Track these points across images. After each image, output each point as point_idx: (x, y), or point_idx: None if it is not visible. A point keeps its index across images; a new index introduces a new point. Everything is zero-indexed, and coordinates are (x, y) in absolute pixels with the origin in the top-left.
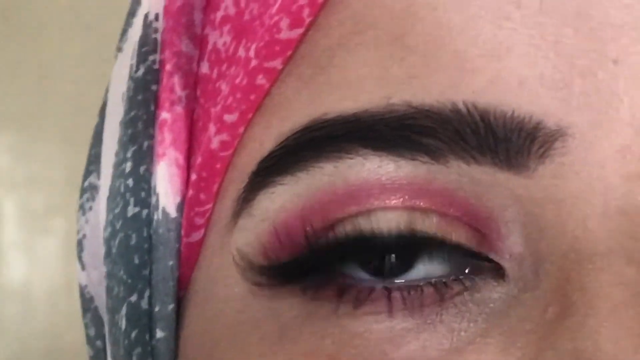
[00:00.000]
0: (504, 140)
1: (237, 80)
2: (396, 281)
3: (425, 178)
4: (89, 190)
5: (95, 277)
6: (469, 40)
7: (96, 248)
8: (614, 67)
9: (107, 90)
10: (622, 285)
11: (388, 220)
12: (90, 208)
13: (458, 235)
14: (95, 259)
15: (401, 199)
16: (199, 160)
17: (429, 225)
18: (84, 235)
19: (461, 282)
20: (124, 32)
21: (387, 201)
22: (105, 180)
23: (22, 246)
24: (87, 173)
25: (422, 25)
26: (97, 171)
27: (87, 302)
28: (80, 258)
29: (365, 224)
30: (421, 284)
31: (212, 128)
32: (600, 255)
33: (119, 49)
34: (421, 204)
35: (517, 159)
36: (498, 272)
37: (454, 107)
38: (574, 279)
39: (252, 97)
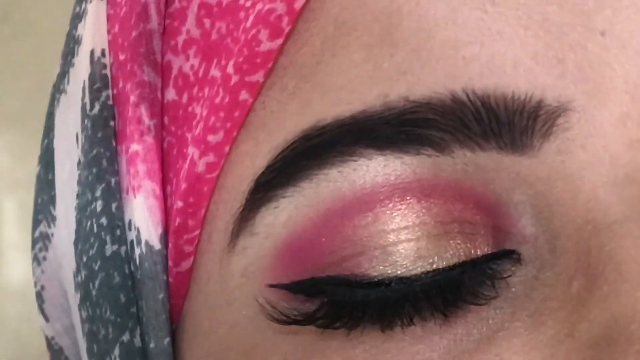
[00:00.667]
0: (507, 122)
1: (217, 100)
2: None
3: (433, 172)
4: (40, 240)
5: (60, 327)
6: (457, 28)
7: (57, 298)
8: (602, 38)
9: (46, 137)
10: None
11: (415, 257)
12: (45, 257)
13: (481, 247)
14: (57, 309)
15: (415, 200)
16: (183, 186)
17: (456, 250)
18: (42, 287)
19: (493, 286)
20: (64, 73)
21: (400, 203)
22: (64, 224)
23: (22, 246)
24: (37, 222)
25: (408, 19)
26: (47, 219)
27: (56, 354)
28: (42, 310)
29: (391, 268)
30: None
31: (194, 152)
32: (618, 223)
33: (62, 91)
34: (436, 207)
35: (521, 140)
36: (513, 256)
37: (454, 95)
38: (595, 249)
39: (237, 113)
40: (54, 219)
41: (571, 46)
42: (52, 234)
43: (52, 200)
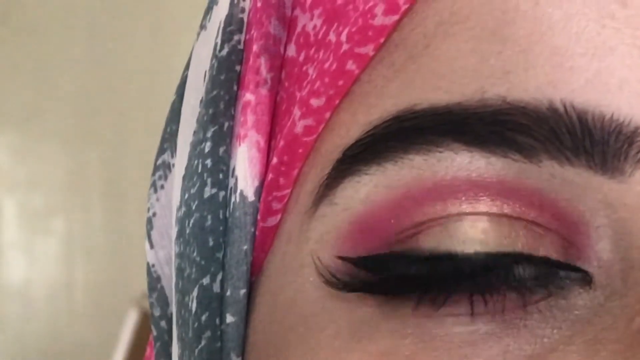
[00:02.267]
0: (600, 142)
1: (326, 65)
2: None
3: (516, 177)
4: (161, 168)
5: (163, 256)
6: (570, 37)
7: (166, 227)
8: None
9: (186, 68)
10: None
11: (472, 238)
12: (162, 186)
13: (545, 249)
14: (164, 238)
15: (489, 198)
16: (281, 143)
17: (515, 241)
18: (154, 214)
19: (546, 287)
20: (209, 9)
21: (474, 199)
22: (181, 158)
23: (22, 246)
24: (161, 151)
25: (523, 18)
26: (172, 149)
27: (153, 281)
28: (149, 236)
29: (449, 243)
30: (503, 287)
31: (296, 112)
32: None
33: (203, 27)
34: (509, 210)
35: (613, 163)
36: (585, 278)
37: (550, 105)
38: None
39: (341, 82)
40: (176, 150)
41: None
42: (174, 165)
43: (178, 132)
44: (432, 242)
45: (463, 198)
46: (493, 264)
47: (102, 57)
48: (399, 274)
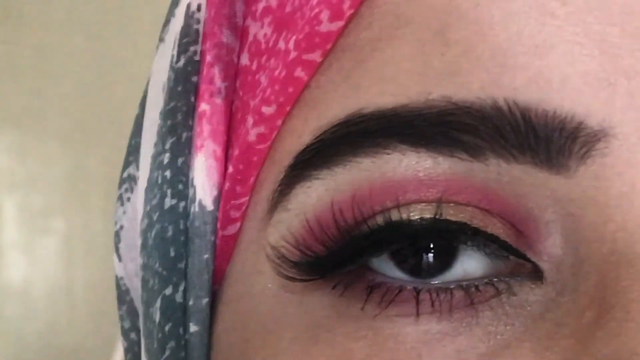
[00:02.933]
0: (544, 139)
1: (276, 73)
2: (432, 282)
3: (464, 175)
4: (127, 181)
5: (132, 269)
6: (511, 36)
7: (133, 240)
8: None
9: (148, 81)
10: None
11: (421, 209)
12: (129, 199)
13: (494, 227)
14: (132, 250)
15: (438, 194)
16: (236, 152)
17: (463, 215)
18: (122, 227)
19: (494, 285)
20: (167, 22)
21: (422, 195)
22: (144, 171)
23: (22, 246)
24: (127, 164)
25: (465, 20)
26: (136, 162)
27: (122, 294)
28: (117, 249)
29: (397, 214)
30: (452, 286)
31: (249, 120)
32: None
33: (161, 39)
34: (457, 199)
35: (557, 159)
36: (536, 274)
37: (494, 104)
38: (613, 282)
39: (291, 89)
40: (140, 163)
41: (625, 71)
42: (139, 177)
43: (141, 145)
44: (380, 218)
45: (413, 198)
46: (438, 230)
47: (102, 57)
48: (349, 261)
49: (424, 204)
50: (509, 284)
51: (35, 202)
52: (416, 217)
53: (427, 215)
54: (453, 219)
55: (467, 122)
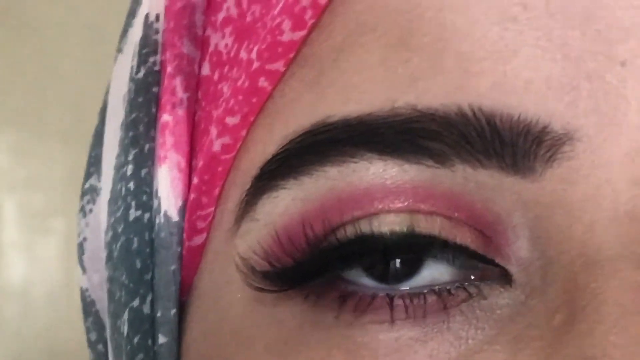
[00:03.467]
0: (510, 144)
1: (239, 83)
2: (401, 288)
3: (430, 182)
4: (89, 193)
5: (96, 280)
6: (474, 42)
7: (97, 251)
8: (622, 69)
9: (107, 92)
10: (631, 291)
11: (390, 222)
12: (91, 210)
13: (463, 237)
14: (96, 262)
15: (405, 203)
16: (200, 163)
17: (432, 226)
18: (85, 239)
19: (465, 289)
20: (124, 32)
21: (390, 205)
22: (106, 182)
23: (22, 246)
24: (88, 175)
25: (428, 26)
26: (98, 173)
27: (88, 306)
28: (81, 261)
29: (367, 226)
30: (424, 291)
31: (213, 131)
32: (609, 261)
33: (119, 50)
34: (425, 207)
35: (523, 163)
36: (505, 277)
37: (459, 110)
38: (582, 284)
39: (254, 99)
40: (101, 174)
41: (588, 74)
42: (101, 188)
43: (102, 156)
44: (350, 229)
45: (380, 207)
46: (408, 244)
47: (102, 57)
48: (320, 272)
49: (393, 214)
50: (479, 288)
51: (35, 202)
52: (386, 230)
53: (397, 229)
54: (423, 232)
55: (432, 128)
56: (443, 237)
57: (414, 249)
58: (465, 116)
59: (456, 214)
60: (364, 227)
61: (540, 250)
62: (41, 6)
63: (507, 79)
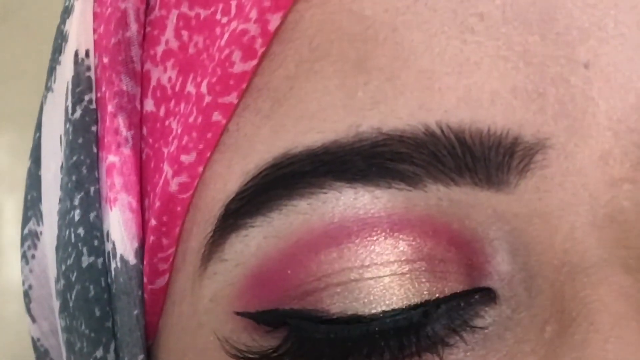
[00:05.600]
0: (482, 158)
1: (191, 119)
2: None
3: (404, 207)
4: (29, 238)
5: (46, 328)
6: (433, 58)
7: (45, 298)
8: (586, 71)
9: (37, 132)
10: (622, 297)
11: (377, 297)
12: (33, 256)
13: (451, 285)
14: (44, 309)
15: (383, 236)
16: (157, 204)
17: (421, 289)
18: (30, 286)
19: (456, 332)
20: (52, 70)
21: (367, 240)
22: (49, 226)
23: None
24: (26, 219)
25: (383, 46)
26: (37, 217)
27: (42, 356)
28: (29, 310)
29: (355, 306)
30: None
31: (168, 170)
32: (595, 267)
33: (49, 89)
34: (404, 243)
35: (497, 176)
36: (489, 295)
37: (427, 129)
38: (570, 293)
39: (209, 135)
40: (42, 216)
41: (553, 79)
42: (41, 232)
43: (41, 198)
44: (336, 303)
45: (356, 240)
46: (403, 320)
47: None
48: (300, 335)
49: (372, 274)
50: (465, 319)
51: None
52: (376, 311)
53: (387, 309)
54: (413, 301)
55: (401, 150)
56: (433, 299)
57: (408, 319)
58: (433, 135)
59: (437, 245)
60: (351, 306)
61: (521, 262)
62: (41, 7)
63: (471, 92)
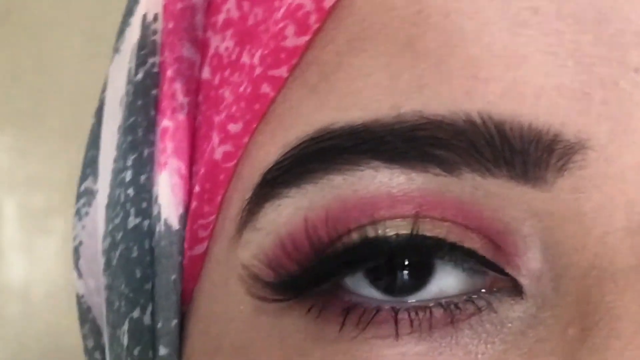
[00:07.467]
0: (520, 152)
1: (241, 89)
2: (408, 300)
3: (438, 190)
4: (85, 195)
5: (93, 285)
6: (483, 47)
7: (93, 256)
8: (636, 75)
9: (103, 90)
10: None
11: (396, 226)
12: (87, 213)
13: (471, 242)
14: (92, 267)
15: (413, 211)
16: (202, 171)
17: (440, 230)
18: (81, 242)
19: (474, 302)
20: (121, 31)
21: (397, 212)
22: (103, 185)
23: (22, 246)
24: (84, 176)
25: (434, 31)
26: (94, 175)
27: (84, 313)
28: (77, 266)
29: (372, 231)
30: (431, 305)
31: (215, 138)
32: (623, 273)
33: (116, 50)
34: (433, 214)
35: (534, 172)
36: (516, 289)
37: (467, 117)
38: (596, 297)
39: (257, 106)
40: (98, 177)
41: (601, 81)
42: (97, 190)
43: (99, 156)
44: (355, 235)
45: (386, 214)
46: (415, 247)
47: (102, 57)
48: (324, 280)
49: (399, 219)
50: (489, 301)
51: (35, 202)
52: (392, 233)
53: (403, 232)
54: (429, 234)
55: (439, 136)
56: (451, 240)
57: (421, 251)
58: (474, 124)
59: (465, 222)
60: (370, 232)
61: (552, 261)
62: (41, 7)
63: (517, 85)
